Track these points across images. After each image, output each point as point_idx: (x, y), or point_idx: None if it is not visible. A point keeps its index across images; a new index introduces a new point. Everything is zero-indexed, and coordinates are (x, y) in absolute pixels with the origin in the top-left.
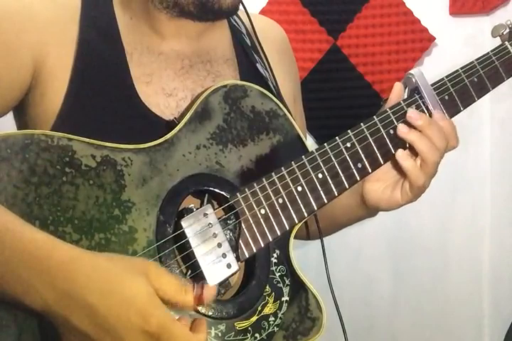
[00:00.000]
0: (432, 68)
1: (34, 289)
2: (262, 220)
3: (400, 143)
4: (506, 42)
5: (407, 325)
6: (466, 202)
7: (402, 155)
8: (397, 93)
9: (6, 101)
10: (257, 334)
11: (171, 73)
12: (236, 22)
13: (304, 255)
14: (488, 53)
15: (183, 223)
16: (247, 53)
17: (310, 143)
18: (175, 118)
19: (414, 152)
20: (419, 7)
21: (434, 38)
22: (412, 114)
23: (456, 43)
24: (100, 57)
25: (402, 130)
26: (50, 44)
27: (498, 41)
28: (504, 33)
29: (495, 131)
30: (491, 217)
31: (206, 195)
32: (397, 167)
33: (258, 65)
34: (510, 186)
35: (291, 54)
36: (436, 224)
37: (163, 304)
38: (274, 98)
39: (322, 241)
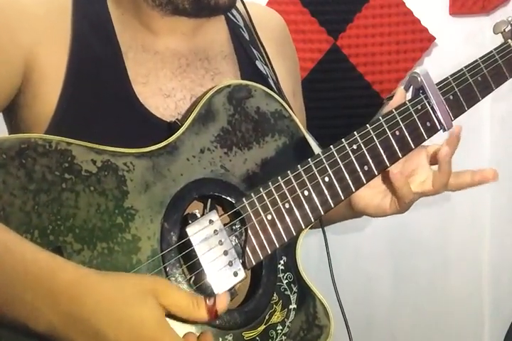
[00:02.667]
0: (432, 68)
1: (38, 311)
2: (268, 226)
3: (406, 145)
4: (509, 41)
5: (407, 325)
6: (466, 201)
7: (397, 174)
8: (399, 99)
9: None
10: None
11: (167, 73)
12: (233, 14)
13: (304, 253)
14: (491, 52)
15: (188, 231)
16: (245, 48)
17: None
18: (177, 119)
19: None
20: (419, 7)
21: (434, 38)
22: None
23: (456, 43)
24: (95, 57)
25: (447, 153)
26: (41, 43)
27: (499, 38)
28: (506, 29)
29: (495, 131)
30: (491, 217)
31: (209, 201)
32: (386, 179)
33: (257, 62)
34: (511, 186)
35: (291, 43)
36: (436, 223)
37: (171, 327)
38: (278, 98)
39: (326, 240)
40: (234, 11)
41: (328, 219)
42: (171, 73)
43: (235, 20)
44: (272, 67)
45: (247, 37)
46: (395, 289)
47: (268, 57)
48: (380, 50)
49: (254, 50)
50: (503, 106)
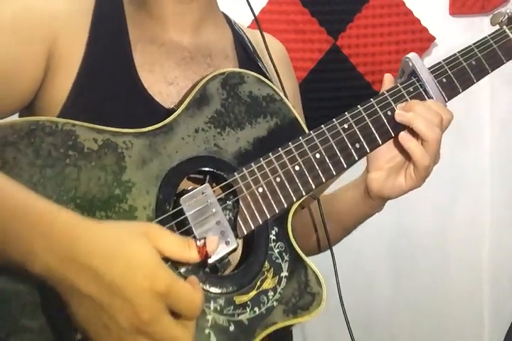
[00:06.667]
0: None
1: (34, 253)
2: (260, 198)
3: (398, 124)
4: (504, 27)
5: (407, 325)
6: (466, 201)
7: (405, 136)
8: (388, 85)
9: (22, 94)
10: (256, 308)
11: (172, 63)
12: (242, 37)
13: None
14: (485, 37)
15: (182, 201)
16: (248, 54)
17: None
18: (175, 106)
19: (415, 135)
20: (419, 7)
21: (434, 38)
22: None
23: (456, 43)
24: (108, 49)
25: (399, 113)
26: (61, 36)
27: None
28: (503, 20)
29: (495, 131)
30: (491, 217)
31: (208, 176)
32: (401, 152)
33: (259, 63)
34: (510, 186)
35: (292, 70)
36: (436, 223)
37: (165, 264)
38: (270, 83)
39: (331, 250)
40: (243, 35)
41: (345, 223)
42: (175, 63)
43: (240, 33)
44: (277, 74)
45: (251, 48)
46: (395, 289)
47: (276, 70)
48: (380, 50)
49: (259, 63)
50: (503, 107)
